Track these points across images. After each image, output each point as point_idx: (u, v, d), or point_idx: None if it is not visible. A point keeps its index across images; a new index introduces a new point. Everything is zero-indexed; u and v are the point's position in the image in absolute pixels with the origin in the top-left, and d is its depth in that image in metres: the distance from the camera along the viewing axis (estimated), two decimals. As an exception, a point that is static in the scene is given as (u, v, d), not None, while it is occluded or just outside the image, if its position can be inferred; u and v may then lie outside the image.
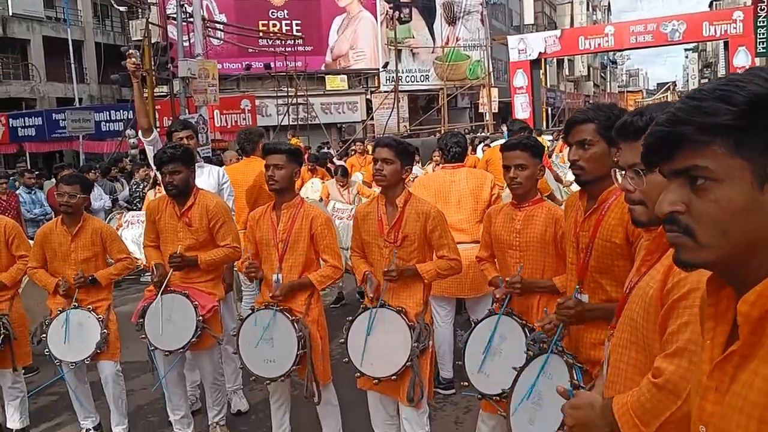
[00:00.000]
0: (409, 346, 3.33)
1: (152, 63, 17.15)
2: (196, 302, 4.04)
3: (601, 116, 2.49)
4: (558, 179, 7.86)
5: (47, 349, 4.26)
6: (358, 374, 3.51)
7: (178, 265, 4.01)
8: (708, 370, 1.08)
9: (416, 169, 10.61)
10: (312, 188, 8.23)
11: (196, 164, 4.92)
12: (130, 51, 5.49)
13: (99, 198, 10.43)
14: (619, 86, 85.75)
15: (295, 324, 3.66)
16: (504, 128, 16.31)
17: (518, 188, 3.23)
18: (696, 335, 1.45)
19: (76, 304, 4.27)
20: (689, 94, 1.05)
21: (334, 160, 12.81)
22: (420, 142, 15.51)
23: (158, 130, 17.73)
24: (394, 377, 3.37)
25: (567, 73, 53.61)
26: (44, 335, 4.28)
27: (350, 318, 3.57)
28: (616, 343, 1.75)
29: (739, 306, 1.01)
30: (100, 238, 4.33)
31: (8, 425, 4.60)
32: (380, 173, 3.41)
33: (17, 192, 9.92)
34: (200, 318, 4.01)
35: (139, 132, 5.58)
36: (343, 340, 3.55)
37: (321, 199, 7.80)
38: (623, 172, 1.71)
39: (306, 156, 11.66)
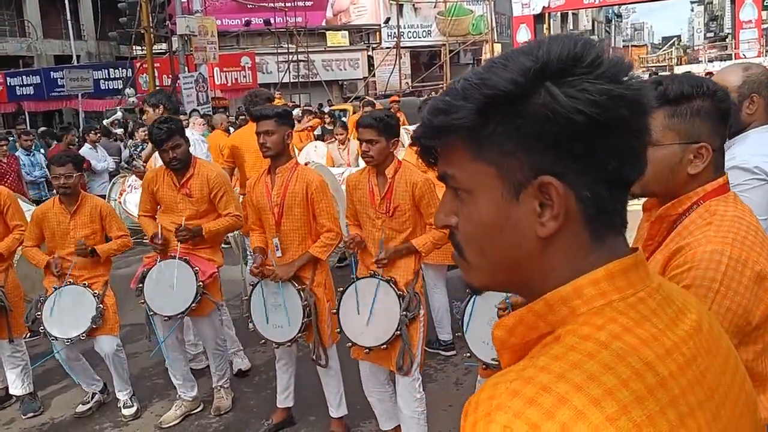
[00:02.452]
0: (397, 315, 3.36)
1: (150, 20, 16.88)
2: (197, 268, 4.08)
3: None
4: None
5: (42, 327, 4.27)
6: (350, 344, 3.57)
7: (184, 238, 4.05)
8: None
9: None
10: (315, 152, 8.13)
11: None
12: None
13: (103, 159, 10.38)
14: (623, 40, 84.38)
15: (301, 293, 3.72)
16: None
17: None
18: None
19: (71, 281, 4.28)
20: (452, 82, 0.85)
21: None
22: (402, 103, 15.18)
23: (158, 88, 17.55)
24: (384, 346, 3.42)
25: (571, 28, 52.76)
26: (39, 313, 4.28)
27: (341, 288, 3.61)
28: None
29: (494, 329, 0.83)
30: (99, 215, 4.33)
31: (11, 392, 4.66)
32: (367, 154, 3.41)
33: (17, 154, 9.86)
34: (200, 283, 4.06)
35: None
36: (335, 311, 3.59)
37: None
38: None
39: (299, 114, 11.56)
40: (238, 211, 4.23)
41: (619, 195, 0.79)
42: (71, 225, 4.27)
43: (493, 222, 0.79)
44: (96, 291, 4.30)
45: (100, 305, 4.26)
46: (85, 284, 4.30)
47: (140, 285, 4.13)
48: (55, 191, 4.48)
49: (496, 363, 3.14)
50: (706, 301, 1.39)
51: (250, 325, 3.94)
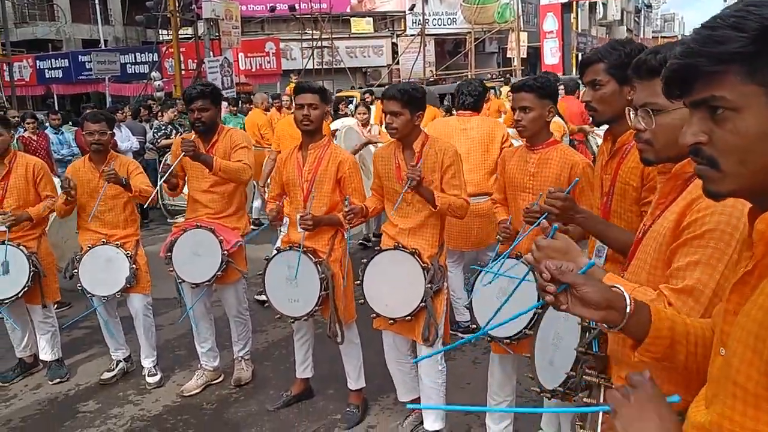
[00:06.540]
0: (422, 287, 3.38)
1: (176, 4, 17.00)
2: (222, 237, 4.17)
3: (610, 55, 2.39)
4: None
5: (79, 284, 4.41)
6: (374, 315, 3.59)
7: (188, 149, 3.93)
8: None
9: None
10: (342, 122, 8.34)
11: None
12: None
13: (127, 139, 10.51)
14: (653, 31, 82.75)
15: (319, 266, 3.73)
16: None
17: (523, 131, 3.18)
18: (707, 277, 1.45)
19: (105, 240, 4.40)
20: (704, 22, 1.03)
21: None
22: None
23: (183, 72, 17.54)
24: (409, 317, 3.44)
25: (599, 17, 52.02)
26: (76, 270, 4.42)
27: (365, 260, 3.62)
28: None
29: (757, 224, 1.02)
30: (127, 172, 4.42)
31: (41, 357, 4.81)
32: (391, 126, 3.40)
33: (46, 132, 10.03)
34: (225, 252, 4.15)
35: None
36: (359, 282, 3.62)
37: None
38: (637, 111, 1.67)
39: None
40: (250, 163, 4.22)
41: None
42: (100, 183, 4.36)
43: (761, 134, 0.96)
44: (128, 251, 4.42)
45: (133, 265, 4.40)
46: (118, 244, 4.42)
47: (169, 254, 4.24)
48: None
49: (508, 339, 3.15)
50: (731, 242, 1.45)
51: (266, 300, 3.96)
